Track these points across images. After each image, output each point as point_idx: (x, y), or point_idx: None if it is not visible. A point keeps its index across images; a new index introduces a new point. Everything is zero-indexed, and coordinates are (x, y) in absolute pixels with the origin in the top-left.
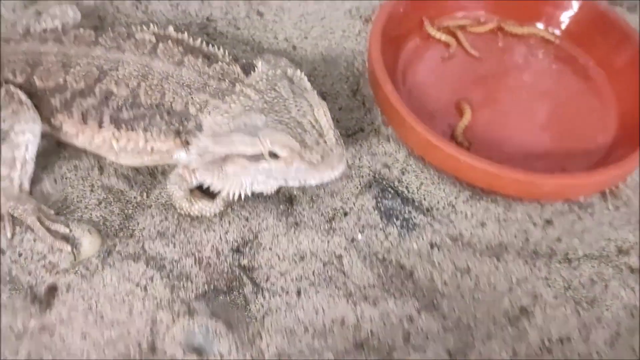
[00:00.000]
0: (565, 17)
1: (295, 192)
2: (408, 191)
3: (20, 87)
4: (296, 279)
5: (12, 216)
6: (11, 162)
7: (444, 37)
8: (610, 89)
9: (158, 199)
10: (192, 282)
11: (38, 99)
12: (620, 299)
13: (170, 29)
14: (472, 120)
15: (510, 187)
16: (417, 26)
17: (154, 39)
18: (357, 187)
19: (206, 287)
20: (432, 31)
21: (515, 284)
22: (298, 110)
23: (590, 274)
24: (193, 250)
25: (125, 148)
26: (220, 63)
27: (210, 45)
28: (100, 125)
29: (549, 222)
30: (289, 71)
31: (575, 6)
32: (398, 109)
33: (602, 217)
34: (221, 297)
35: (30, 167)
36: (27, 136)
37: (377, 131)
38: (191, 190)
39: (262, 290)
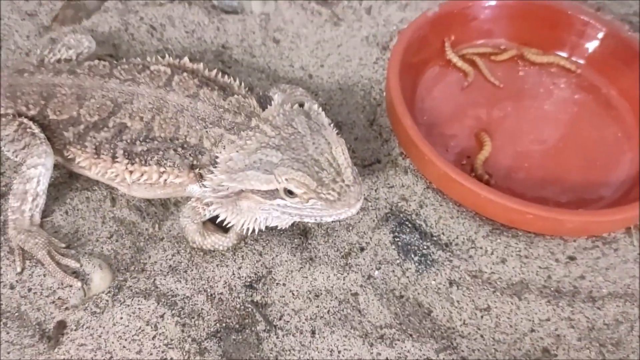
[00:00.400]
0: (588, 46)
1: (310, 225)
2: (426, 225)
3: (33, 119)
4: (311, 317)
5: (22, 250)
6: (22, 195)
7: (463, 65)
8: (634, 119)
9: (170, 231)
10: (203, 319)
11: (51, 132)
12: None
13: (186, 59)
14: (491, 151)
15: (532, 223)
16: (436, 53)
17: (169, 71)
18: (374, 221)
19: (218, 325)
20: (453, 57)
21: (537, 324)
22: (315, 147)
23: (615, 313)
24: (205, 286)
25: (139, 181)
26: (236, 96)
27: (226, 75)
28: (113, 159)
29: (572, 258)
30: (306, 106)
31: (599, 35)
32: (417, 142)
33: (627, 253)
34: (233, 336)
35: (41, 200)
36: (40, 170)
37: (394, 162)
38: (204, 223)
39: (276, 329)
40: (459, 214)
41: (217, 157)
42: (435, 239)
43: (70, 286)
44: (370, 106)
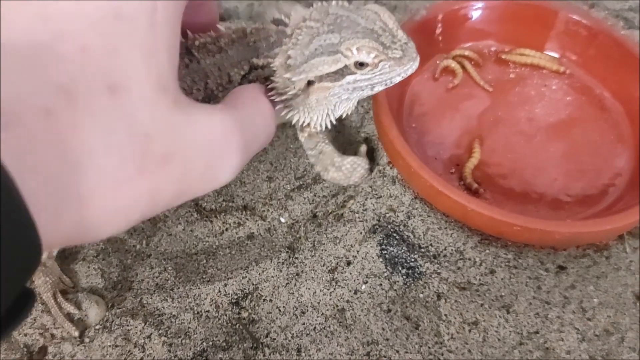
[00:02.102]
0: (580, 46)
1: (298, 238)
2: (414, 236)
3: None
4: (297, 335)
5: (32, 281)
6: None
7: (452, 64)
8: (627, 121)
9: (157, 247)
10: (190, 338)
11: None
12: (638, 352)
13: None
14: (481, 158)
15: (519, 235)
16: (424, 58)
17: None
18: (361, 233)
19: (204, 344)
20: (445, 63)
21: (526, 337)
22: (365, 20)
23: (605, 324)
24: (192, 304)
25: None
26: (253, 29)
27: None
28: None
29: (562, 267)
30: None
31: (589, 33)
32: (402, 154)
33: (619, 260)
34: (220, 355)
35: None
36: None
37: (382, 172)
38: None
39: (262, 346)
40: (447, 224)
41: (273, 65)
42: (423, 250)
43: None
44: (357, 114)
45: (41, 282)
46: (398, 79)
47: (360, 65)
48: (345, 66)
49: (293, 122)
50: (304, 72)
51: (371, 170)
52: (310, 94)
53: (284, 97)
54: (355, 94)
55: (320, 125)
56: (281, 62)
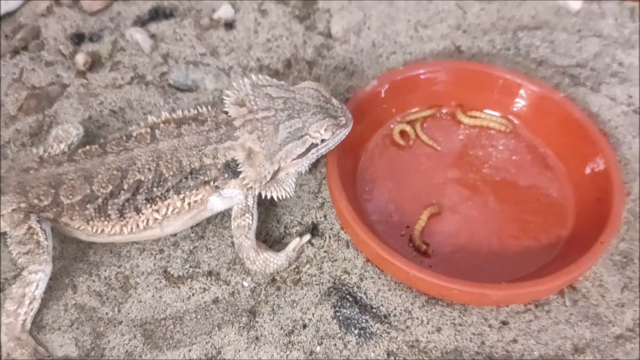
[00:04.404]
0: (522, 107)
1: (259, 302)
2: (366, 297)
3: (47, 208)
4: None
5: (9, 355)
6: (20, 299)
7: (408, 130)
8: (568, 179)
9: (129, 314)
10: None
11: (68, 216)
12: None
13: (163, 113)
14: (430, 218)
15: (459, 297)
16: (377, 124)
17: (149, 130)
18: (317, 296)
19: None
20: (399, 127)
21: None
22: (312, 98)
23: None
24: None
25: (167, 215)
26: (209, 118)
27: (192, 109)
28: (138, 212)
29: (505, 323)
30: (253, 78)
31: (528, 95)
32: (352, 224)
33: (559, 314)
34: None
35: (36, 305)
36: (40, 275)
37: (337, 236)
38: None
39: None
40: (397, 285)
41: (252, 149)
42: (374, 311)
43: None
44: (316, 179)
45: (19, 354)
46: (343, 138)
47: (322, 140)
48: (312, 144)
49: (269, 197)
50: (281, 159)
51: (312, 243)
52: (279, 172)
53: (263, 183)
54: (314, 157)
55: (288, 192)
56: (245, 155)
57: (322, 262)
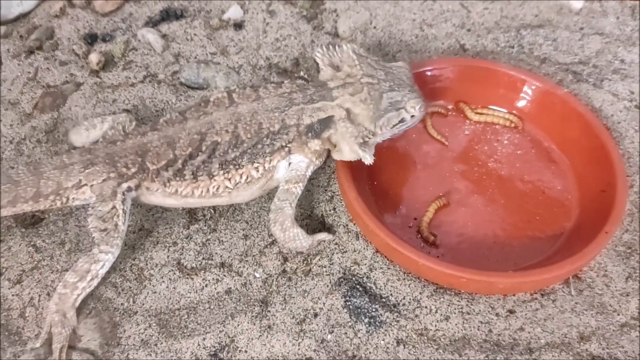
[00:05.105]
0: (528, 102)
1: (271, 292)
2: (376, 287)
3: (134, 175)
4: None
5: (50, 328)
6: (84, 273)
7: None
8: (572, 172)
9: (143, 305)
10: None
11: (151, 179)
12: None
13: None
14: (438, 210)
15: (466, 285)
16: None
17: (226, 94)
18: (328, 286)
19: None
20: None
21: None
22: (405, 77)
23: None
24: (174, 358)
25: (238, 185)
26: (287, 82)
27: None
28: (210, 176)
29: (511, 312)
30: (349, 47)
31: (532, 91)
32: (361, 215)
33: (565, 303)
34: None
35: (95, 284)
36: (109, 256)
37: (347, 228)
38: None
39: None
40: (405, 275)
41: (353, 111)
42: (384, 300)
43: None
44: (324, 173)
45: (58, 332)
46: (416, 123)
47: (412, 117)
48: (403, 118)
49: (353, 159)
50: (383, 125)
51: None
52: (372, 137)
53: (369, 143)
54: (396, 133)
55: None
56: (345, 114)
57: (333, 254)
